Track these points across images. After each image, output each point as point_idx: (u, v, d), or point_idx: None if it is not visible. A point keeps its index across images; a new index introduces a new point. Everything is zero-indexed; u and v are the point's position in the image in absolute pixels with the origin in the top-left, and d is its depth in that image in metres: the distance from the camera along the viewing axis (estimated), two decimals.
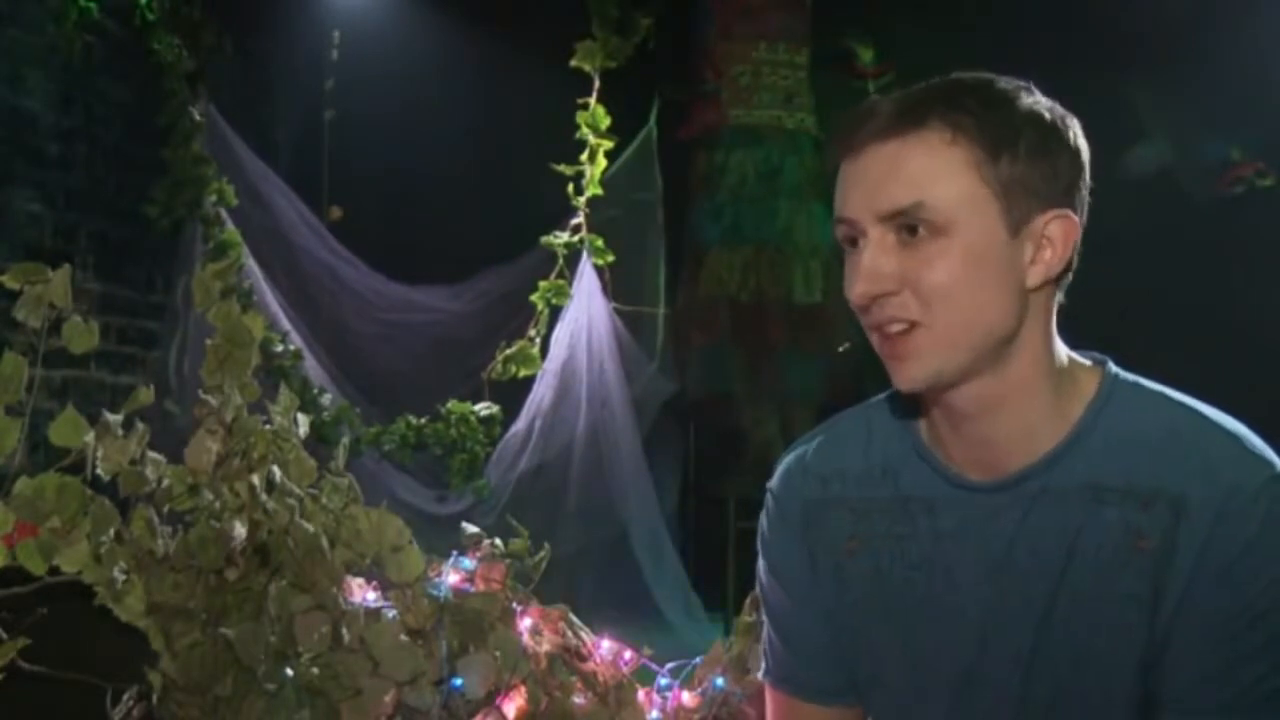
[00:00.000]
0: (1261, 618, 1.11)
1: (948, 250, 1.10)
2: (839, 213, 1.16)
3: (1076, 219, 1.15)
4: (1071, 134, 1.15)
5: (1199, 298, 4.40)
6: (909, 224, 1.11)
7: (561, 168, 4.77)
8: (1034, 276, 1.14)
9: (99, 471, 1.78)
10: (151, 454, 1.83)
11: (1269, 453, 1.14)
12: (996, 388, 1.16)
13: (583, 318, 4.83)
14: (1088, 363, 1.23)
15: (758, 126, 5.19)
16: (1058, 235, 1.14)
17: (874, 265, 1.12)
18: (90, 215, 4.22)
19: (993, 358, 1.14)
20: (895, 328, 1.13)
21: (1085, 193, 1.17)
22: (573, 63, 4.78)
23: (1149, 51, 4.50)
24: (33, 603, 1.74)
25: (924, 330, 1.12)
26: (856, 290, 1.13)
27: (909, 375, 1.14)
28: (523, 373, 4.85)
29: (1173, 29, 4.41)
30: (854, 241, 1.16)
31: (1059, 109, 1.16)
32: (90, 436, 1.77)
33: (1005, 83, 1.15)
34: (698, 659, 2.13)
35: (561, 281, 4.89)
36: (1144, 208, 4.18)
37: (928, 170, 1.10)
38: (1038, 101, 1.15)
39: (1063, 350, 1.20)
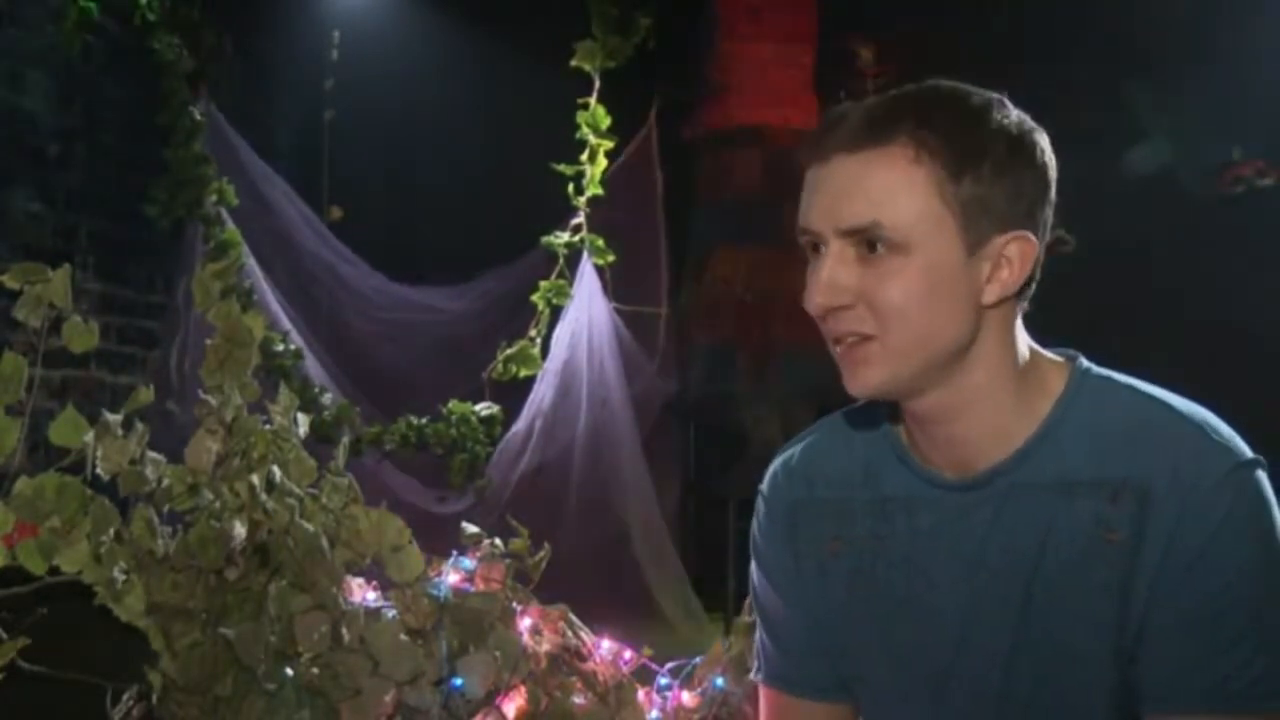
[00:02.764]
0: (1233, 606, 1.11)
1: (905, 268, 1.12)
2: (801, 221, 1.18)
3: (1035, 241, 1.16)
4: (1039, 151, 1.16)
5: (1198, 297, 4.40)
6: (868, 240, 1.12)
7: (562, 168, 4.77)
8: (990, 294, 1.15)
9: (99, 471, 1.78)
10: (151, 454, 1.83)
11: (1235, 441, 1.15)
12: (954, 396, 1.18)
13: (583, 318, 4.83)
14: (1059, 359, 1.24)
15: (763, 126, 5.19)
16: (1015, 256, 1.15)
17: (832, 278, 1.14)
18: (90, 215, 4.22)
19: (947, 370, 1.16)
20: (850, 339, 1.15)
21: (1049, 211, 1.18)
22: (573, 63, 4.78)
23: (1149, 51, 4.50)
24: (33, 603, 1.75)
25: (877, 343, 1.14)
26: (814, 302, 1.16)
27: (860, 382, 1.17)
28: (523, 373, 4.85)
29: (1173, 29, 4.41)
30: (815, 248, 1.17)
31: (1028, 123, 1.16)
32: (90, 436, 1.77)
33: (977, 96, 1.15)
34: (697, 659, 2.13)
35: (562, 281, 4.89)
36: (1144, 208, 4.19)
37: (888, 188, 1.12)
38: (1007, 116, 1.15)
39: (1026, 350, 1.21)
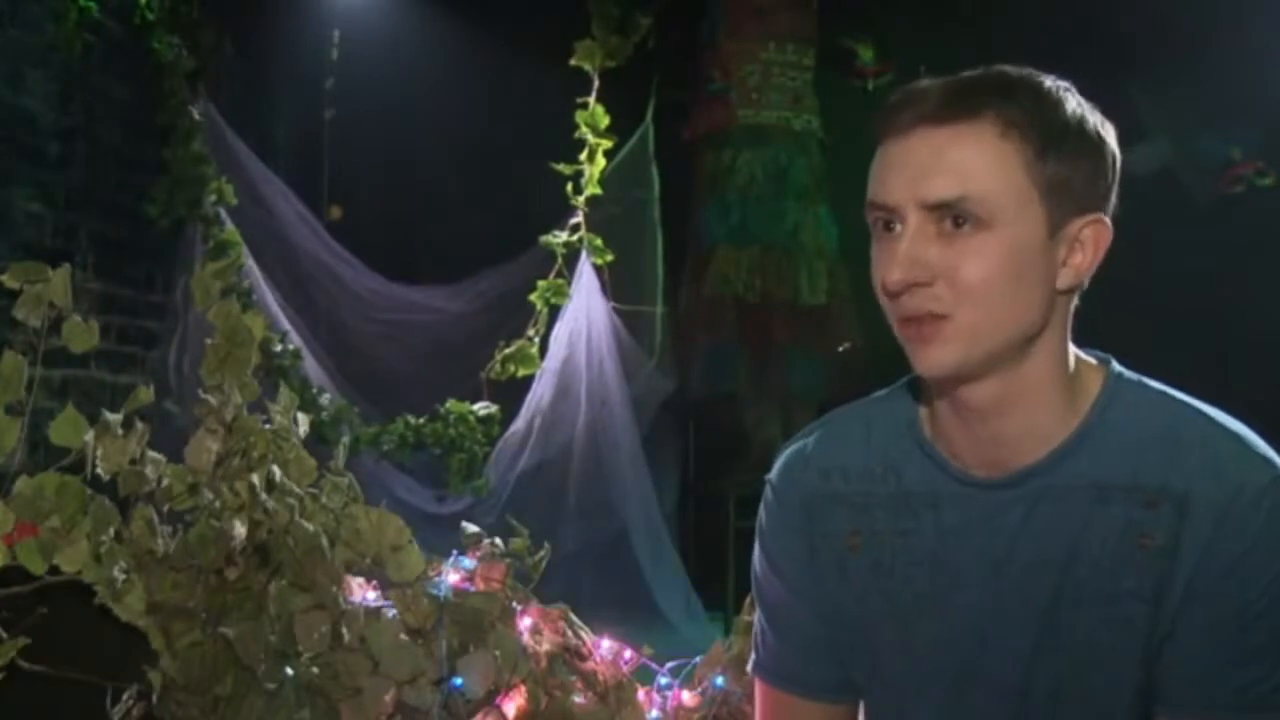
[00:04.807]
0: (1263, 616, 1.11)
1: (988, 244, 1.10)
2: (877, 196, 1.14)
3: (1109, 225, 1.15)
4: (1110, 141, 1.15)
5: (1199, 297, 4.41)
6: (953, 215, 1.10)
7: (561, 167, 4.77)
8: (1064, 279, 1.14)
9: (99, 471, 1.78)
10: (151, 453, 1.83)
11: (1271, 453, 1.15)
12: (1013, 386, 1.16)
13: (582, 317, 4.83)
14: (1093, 361, 1.23)
15: (766, 127, 5.20)
16: (1090, 240, 1.14)
17: (913, 253, 1.11)
18: (90, 214, 4.22)
19: (1014, 355, 1.14)
20: (924, 319, 1.12)
21: (1114, 200, 1.17)
22: (572, 62, 4.78)
23: (1149, 51, 4.51)
24: (32, 602, 1.74)
25: (952, 322, 1.11)
26: (893, 277, 1.11)
27: (933, 360, 1.13)
28: (522, 372, 4.85)
29: (1173, 29, 4.41)
30: (889, 225, 1.14)
31: (1099, 114, 1.15)
32: (90, 436, 1.77)
33: (1050, 80, 1.14)
34: (697, 658, 2.12)
35: (560, 281, 4.89)
36: (1144, 208, 4.18)
37: (977, 162, 1.09)
38: (1081, 104, 1.14)
39: (1071, 349, 1.20)
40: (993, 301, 1.11)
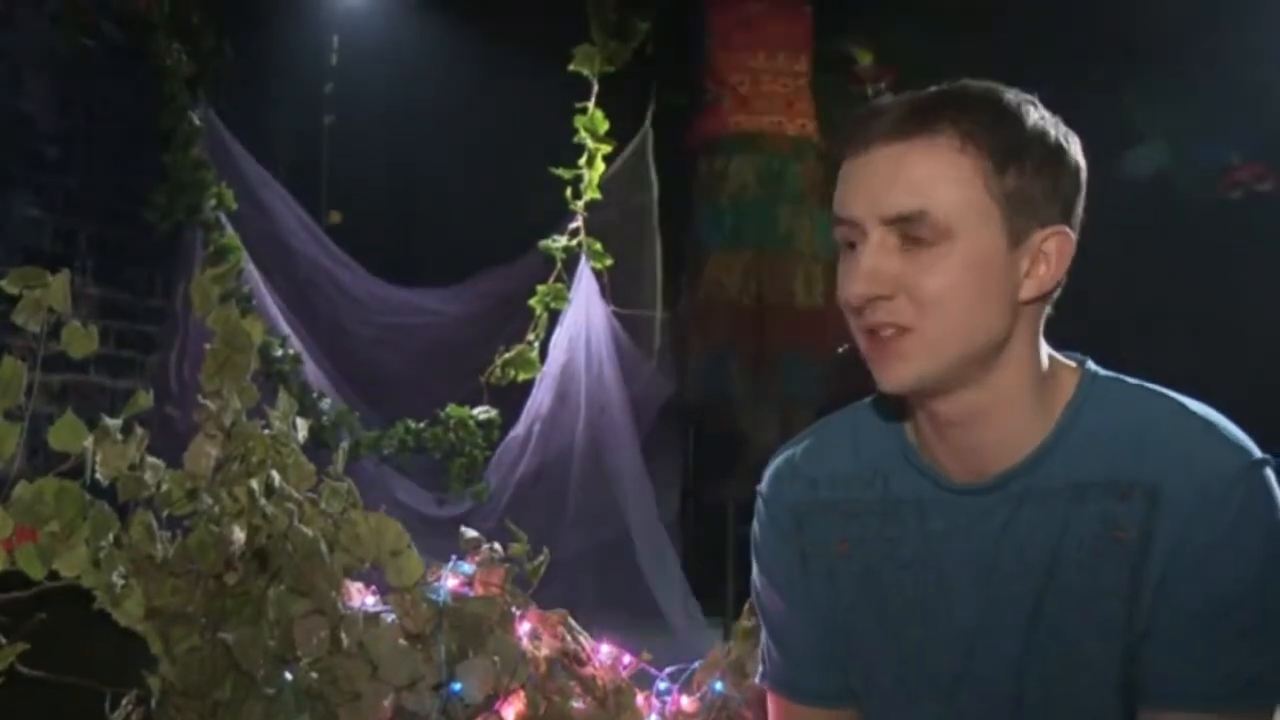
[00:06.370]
0: (1238, 605, 1.11)
1: (947, 257, 1.11)
2: (840, 211, 1.16)
3: (1073, 237, 1.16)
4: (1073, 152, 1.17)
5: (1198, 300, 4.41)
6: (912, 228, 1.11)
7: (560, 171, 4.77)
8: (1028, 290, 1.15)
9: (98, 476, 1.78)
10: (150, 459, 1.84)
11: (1245, 440, 1.15)
12: (982, 398, 1.17)
13: (581, 321, 4.82)
14: (1069, 363, 1.24)
15: (759, 133, 5.20)
16: (1053, 251, 1.15)
17: (874, 267, 1.12)
18: (89, 219, 4.22)
19: (979, 367, 1.15)
20: (887, 331, 1.14)
21: (1080, 210, 1.18)
22: (571, 67, 4.78)
23: (1149, 52, 4.51)
24: (32, 607, 1.75)
25: (915, 335, 1.13)
26: (854, 291, 1.14)
27: (894, 376, 1.15)
28: (522, 377, 4.85)
29: (1173, 30, 4.41)
30: (852, 243, 1.16)
31: (1062, 126, 1.17)
32: (89, 441, 1.77)
33: (1013, 95, 1.16)
34: (696, 663, 2.13)
35: (560, 285, 4.88)
36: (1143, 210, 4.19)
37: (934, 175, 1.11)
38: (1044, 117, 1.15)
39: (1045, 354, 1.21)
40: (954, 313, 1.12)
